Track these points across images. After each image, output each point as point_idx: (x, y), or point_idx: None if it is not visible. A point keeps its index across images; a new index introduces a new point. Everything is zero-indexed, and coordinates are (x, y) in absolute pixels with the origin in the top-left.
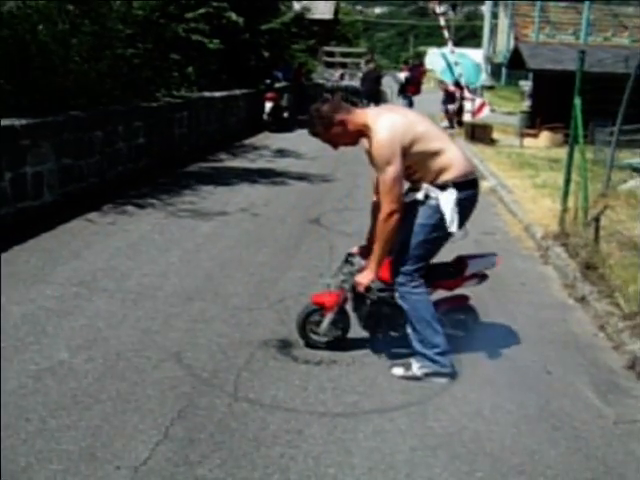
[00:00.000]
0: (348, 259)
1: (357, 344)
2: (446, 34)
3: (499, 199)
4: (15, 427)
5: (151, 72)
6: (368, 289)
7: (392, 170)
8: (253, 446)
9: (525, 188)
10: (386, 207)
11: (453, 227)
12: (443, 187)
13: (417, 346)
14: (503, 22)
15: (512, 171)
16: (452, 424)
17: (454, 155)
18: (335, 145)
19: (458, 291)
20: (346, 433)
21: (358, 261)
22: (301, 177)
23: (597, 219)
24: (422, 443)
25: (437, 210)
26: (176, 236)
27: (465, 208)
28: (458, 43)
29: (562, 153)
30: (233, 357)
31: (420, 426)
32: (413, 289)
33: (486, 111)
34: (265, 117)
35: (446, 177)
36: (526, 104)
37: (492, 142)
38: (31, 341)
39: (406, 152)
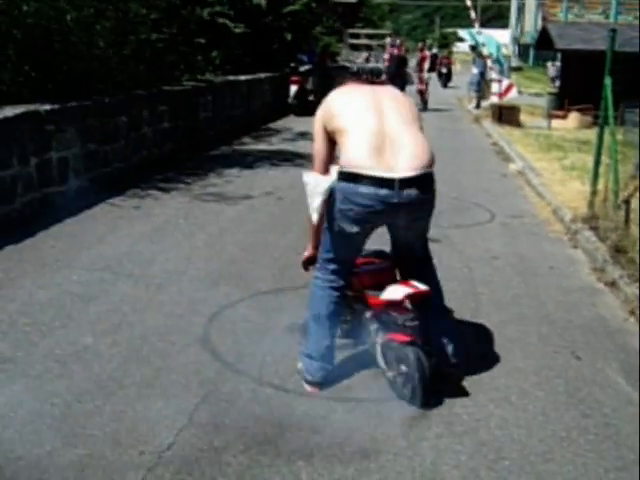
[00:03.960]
0: None
1: None
2: (472, 15)
3: (527, 182)
4: (40, 412)
5: (175, 56)
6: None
7: (314, 147)
8: (277, 432)
9: (553, 170)
10: None
11: (312, 213)
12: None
13: None
14: (531, 2)
15: (540, 153)
16: (479, 410)
17: (352, 139)
18: None
19: None
20: (371, 419)
21: None
22: None
23: (627, 201)
24: (448, 430)
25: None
26: (201, 220)
27: (343, 205)
28: (485, 24)
29: (591, 135)
30: (258, 342)
31: (446, 412)
32: (315, 279)
33: (513, 92)
34: (290, 100)
35: (340, 162)
36: (555, 85)
37: (519, 124)
38: (56, 326)
39: (327, 130)
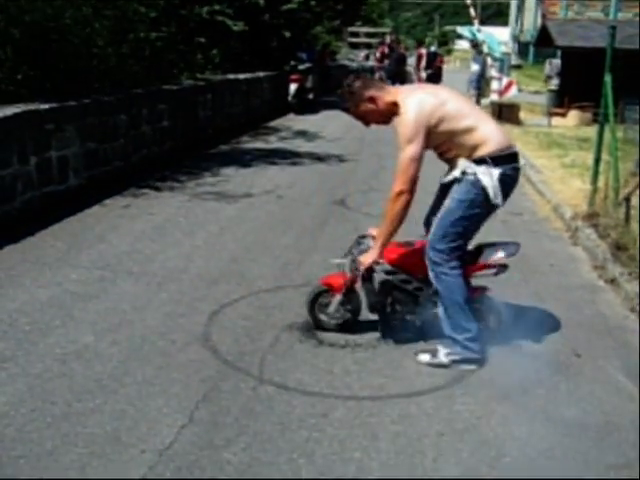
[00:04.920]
0: (359, 240)
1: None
2: (472, 12)
3: (527, 179)
4: (41, 410)
5: (175, 55)
6: (370, 269)
7: (411, 150)
8: (278, 430)
9: (553, 168)
10: (397, 186)
11: (498, 200)
12: (480, 162)
13: (448, 331)
14: None
15: (540, 151)
16: (479, 408)
17: (489, 130)
18: (366, 122)
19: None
20: (372, 417)
21: (367, 242)
22: (326, 158)
23: (628, 199)
24: (449, 427)
25: (475, 185)
26: (201, 219)
27: (505, 183)
28: (485, 21)
29: (591, 132)
30: (258, 340)
31: (447, 410)
32: (450, 270)
33: (513, 90)
34: (290, 99)
35: (482, 152)
36: (554, 82)
37: (519, 122)
38: (57, 324)
39: (433, 132)
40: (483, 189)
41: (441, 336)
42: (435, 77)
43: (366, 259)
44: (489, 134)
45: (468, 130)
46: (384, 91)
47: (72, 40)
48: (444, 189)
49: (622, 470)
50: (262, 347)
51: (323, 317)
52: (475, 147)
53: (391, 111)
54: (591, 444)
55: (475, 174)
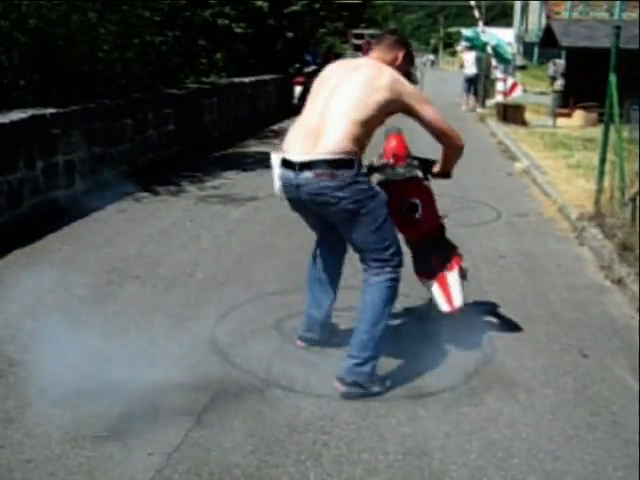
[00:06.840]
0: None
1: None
2: (477, 14)
3: (532, 180)
4: (49, 414)
5: (179, 59)
6: None
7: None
8: (286, 432)
9: (559, 168)
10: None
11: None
12: None
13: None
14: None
15: (545, 151)
16: (487, 409)
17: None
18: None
19: None
20: (379, 419)
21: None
22: None
23: (634, 199)
24: (456, 429)
25: None
26: (207, 222)
27: None
28: (489, 22)
29: (596, 132)
30: (265, 343)
31: (454, 412)
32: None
33: (518, 91)
34: (295, 102)
35: None
36: (559, 83)
37: (525, 122)
38: (64, 329)
39: None
40: None
41: None
42: None
43: None
44: None
45: None
46: None
47: (78, 45)
48: None
49: (630, 471)
50: (269, 350)
51: None
52: None
53: None
54: (599, 445)
55: None
